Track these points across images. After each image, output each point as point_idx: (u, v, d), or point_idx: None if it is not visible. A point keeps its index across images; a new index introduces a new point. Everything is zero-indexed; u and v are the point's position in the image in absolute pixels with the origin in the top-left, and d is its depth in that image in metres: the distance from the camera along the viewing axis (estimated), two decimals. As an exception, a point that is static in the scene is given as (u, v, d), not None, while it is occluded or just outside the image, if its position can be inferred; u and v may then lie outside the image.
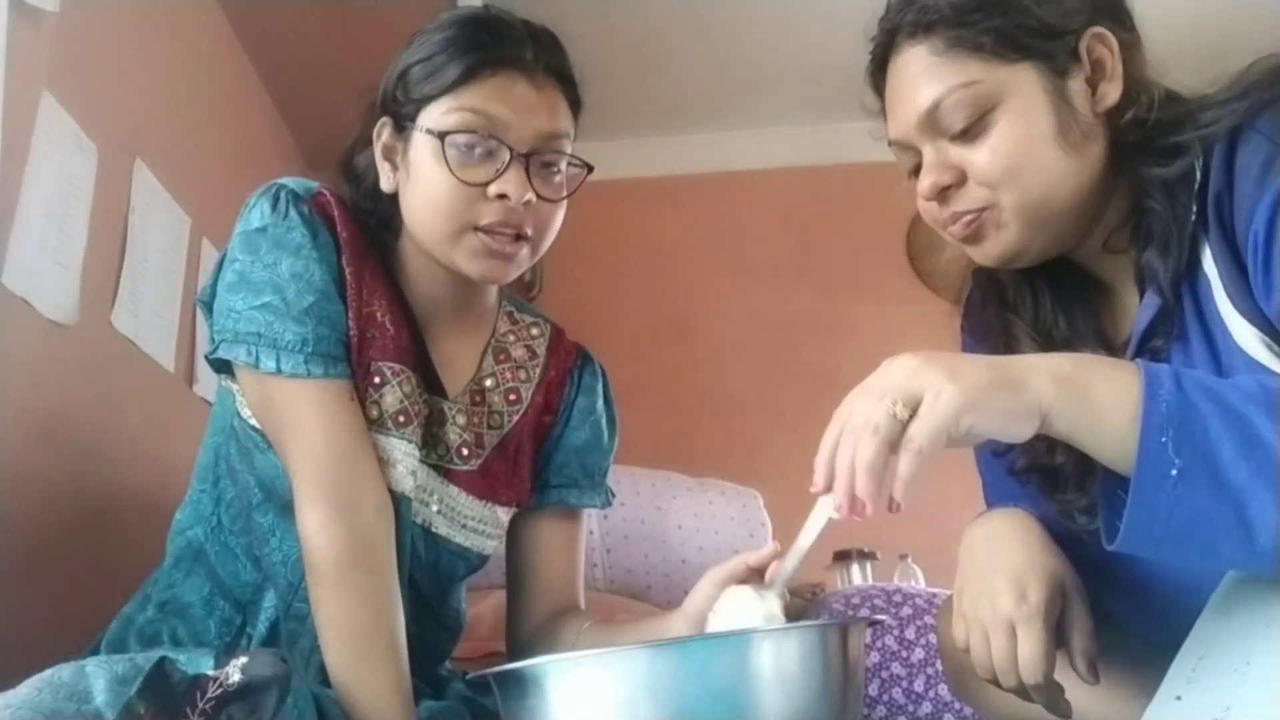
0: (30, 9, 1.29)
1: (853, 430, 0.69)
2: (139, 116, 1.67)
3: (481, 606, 1.52)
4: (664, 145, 2.99)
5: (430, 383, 1.04)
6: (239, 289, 0.95)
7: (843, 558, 2.31)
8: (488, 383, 1.09)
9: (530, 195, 0.95)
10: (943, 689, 1.76)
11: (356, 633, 0.89)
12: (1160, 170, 0.83)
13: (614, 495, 1.18)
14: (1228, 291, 0.79)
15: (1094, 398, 0.68)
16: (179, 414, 1.75)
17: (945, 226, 0.90)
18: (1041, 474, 0.93)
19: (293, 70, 2.27)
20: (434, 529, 1.03)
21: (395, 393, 0.98)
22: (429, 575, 1.05)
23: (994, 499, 1.00)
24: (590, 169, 1.02)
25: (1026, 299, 0.97)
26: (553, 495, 1.13)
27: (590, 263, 2.70)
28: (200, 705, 0.72)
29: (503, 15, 1.00)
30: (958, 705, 1.71)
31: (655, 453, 2.10)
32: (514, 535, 1.14)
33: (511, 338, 1.14)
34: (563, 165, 1.00)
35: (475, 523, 1.06)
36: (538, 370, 1.13)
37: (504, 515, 1.09)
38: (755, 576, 0.90)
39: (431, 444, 1.03)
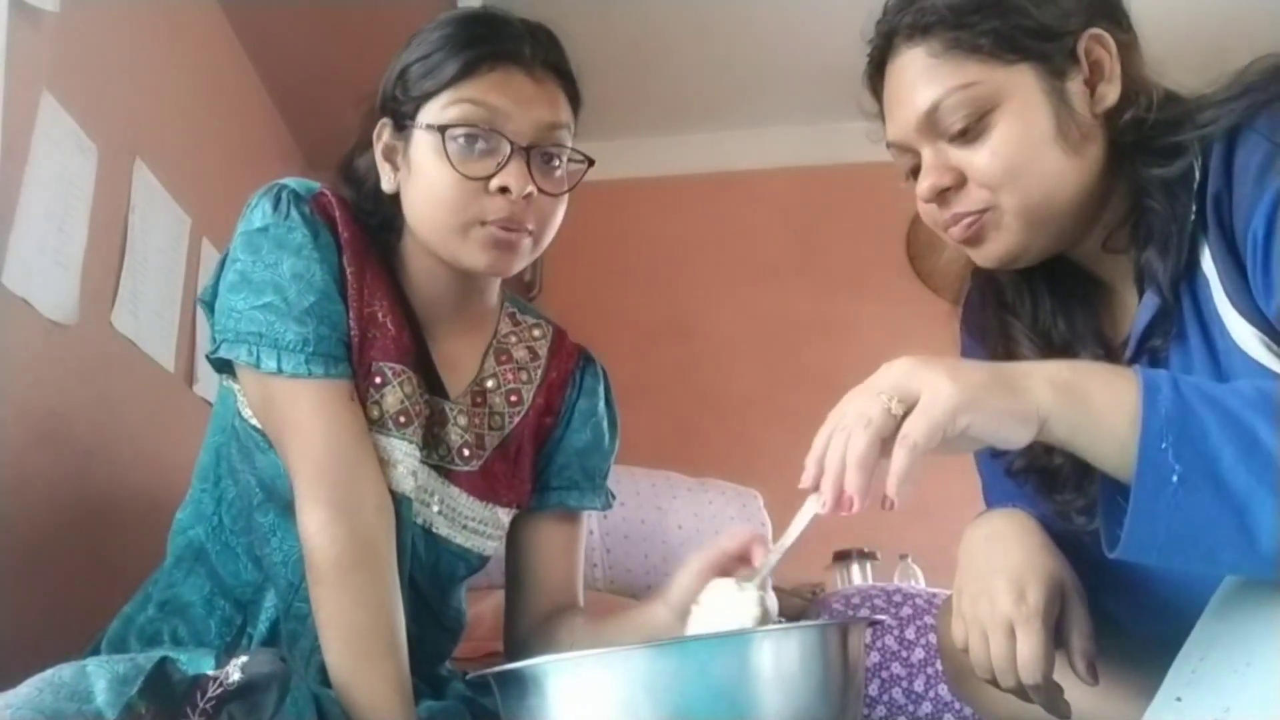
0: (30, 9, 1.30)
1: (845, 427, 0.69)
2: (139, 116, 1.67)
3: (481, 606, 1.52)
4: (664, 145, 2.99)
5: (431, 383, 1.04)
6: (240, 289, 0.95)
7: (843, 558, 2.32)
8: (489, 384, 1.09)
9: (531, 188, 0.95)
10: (943, 689, 1.76)
11: (357, 633, 0.89)
12: (1159, 170, 0.83)
13: (614, 497, 1.18)
14: (1227, 291, 0.79)
15: (1092, 403, 0.68)
16: (179, 414, 1.75)
17: (945, 228, 0.90)
18: (1039, 475, 0.93)
19: (293, 70, 2.27)
20: (435, 529, 1.03)
21: (396, 393, 0.98)
22: (429, 576, 1.05)
23: (993, 499, 1.00)
24: (591, 162, 1.03)
25: (1025, 300, 0.97)
26: (553, 497, 1.13)
27: (590, 263, 2.70)
28: (201, 705, 0.72)
29: (500, 13, 1.01)
30: (958, 705, 1.71)
31: (655, 453, 2.10)
32: (514, 536, 1.14)
33: (513, 339, 1.14)
34: (563, 159, 1.01)
35: (476, 523, 1.06)
36: (539, 371, 1.14)
37: (504, 516, 1.09)
38: (736, 564, 0.90)
39: (432, 445, 1.04)
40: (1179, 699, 0.69)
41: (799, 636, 0.72)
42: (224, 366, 1.00)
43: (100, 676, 0.72)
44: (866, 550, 2.31)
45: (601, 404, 1.17)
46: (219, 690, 0.73)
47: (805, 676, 0.70)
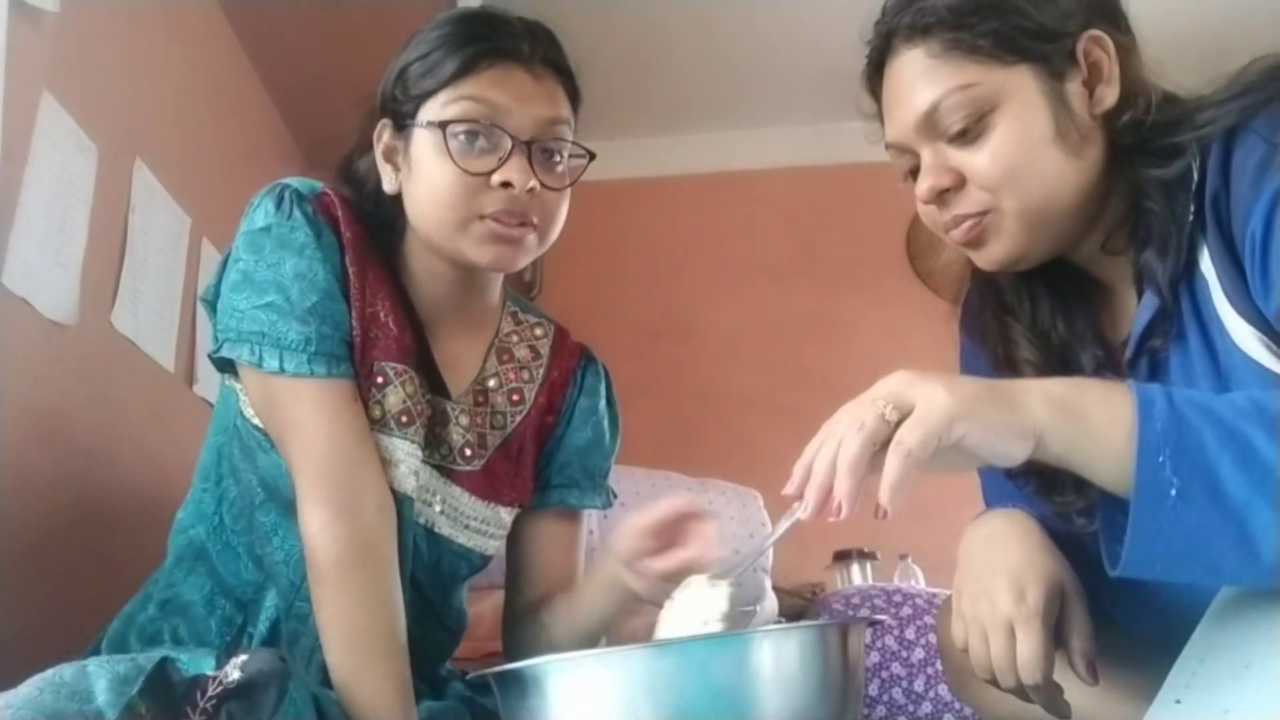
0: (30, 9, 1.29)
1: (836, 434, 0.69)
2: (139, 116, 1.67)
3: (482, 606, 1.52)
4: (664, 145, 2.99)
5: (433, 383, 1.04)
6: (243, 288, 0.95)
7: (843, 558, 2.32)
8: (491, 383, 1.10)
9: (534, 183, 0.95)
10: (943, 689, 1.76)
11: (357, 632, 0.89)
12: (1158, 171, 0.83)
13: (615, 496, 1.18)
14: (1225, 291, 0.79)
15: (1089, 419, 0.67)
16: (179, 414, 1.75)
17: (946, 231, 0.90)
18: (1039, 476, 0.93)
19: (293, 70, 2.27)
20: (437, 529, 1.04)
21: (398, 393, 0.98)
22: (431, 575, 1.05)
23: (993, 500, 1.00)
24: (592, 156, 1.03)
25: (1025, 301, 0.97)
26: (553, 495, 1.13)
27: (590, 263, 2.70)
28: (201, 704, 0.72)
29: (499, 11, 1.01)
30: (958, 705, 1.72)
31: (655, 453, 2.09)
32: (514, 534, 1.14)
33: (515, 338, 1.14)
34: (564, 153, 1.01)
35: (478, 523, 1.06)
36: (541, 370, 1.14)
37: (507, 515, 1.09)
38: (675, 530, 0.92)
39: (434, 444, 1.04)
40: (1178, 701, 0.69)
41: (799, 636, 0.72)
42: (226, 366, 1.00)
43: (101, 676, 0.72)
44: (866, 550, 2.31)
45: (603, 402, 1.17)
46: (219, 690, 0.73)
47: (805, 676, 0.70)
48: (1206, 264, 0.81)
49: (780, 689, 0.69)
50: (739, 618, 0.78)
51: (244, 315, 0.94)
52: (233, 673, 0.74)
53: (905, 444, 0.66)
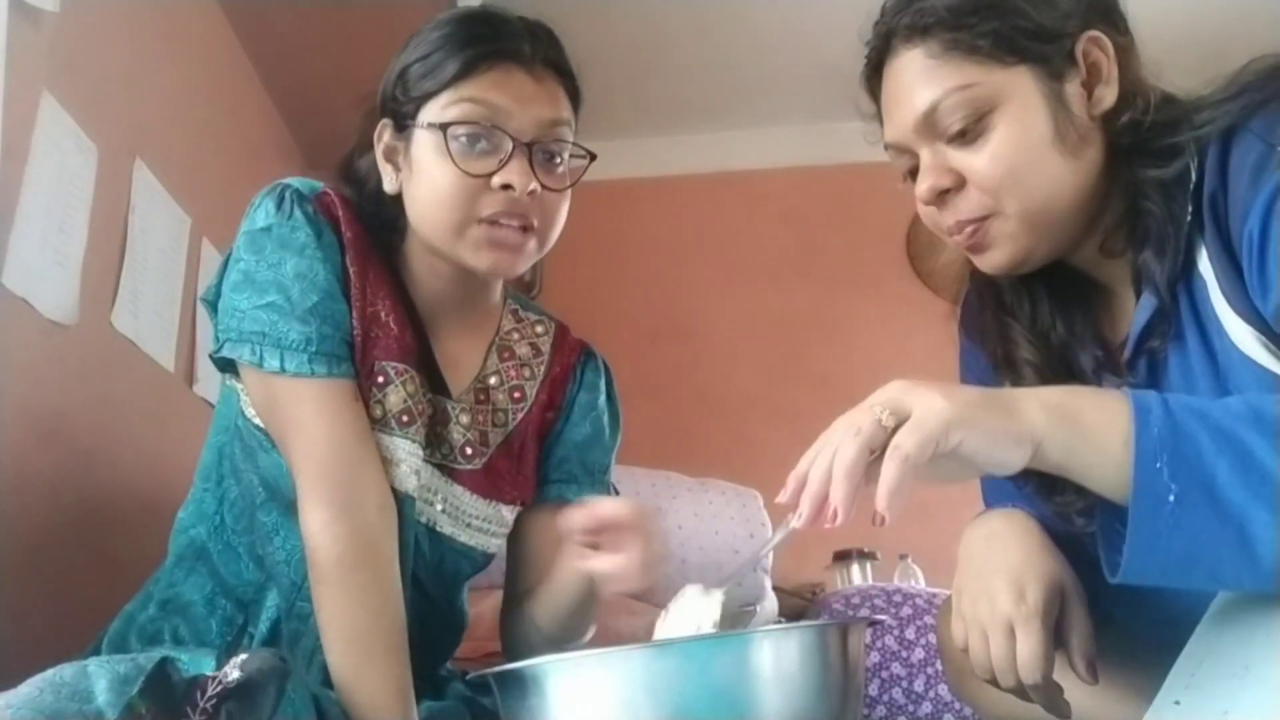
0: (30, 9, 1.29)
1: (832, 444, 0.68)
2: (139, 116, 1.67)
3: (482, 606, 1.52)
4: (664, 145, 2.99)
5: (434, 382, 1.04)
6: (244, 288, 0.95)
7: (843, 558, 2.32)
8: (492, 380, 1.10)
9: (535, 185, 0.95)
10: (943, 689, 1.76)
11: (358, 632, 0.89)
12: (1156, 171, 0.83)
13: (617, 493, 1.17)
14: (1223, 291, 0.79)
15: (1086, 426, 0.67)
16: (179, 414, 1.75)
17: (950, 235, 0.90)
18: (1039, 476, 0.93)
19: (293, 70, 2.27)
20: (439, 528, 1.04)
21: (399, 392, 0.99)
22: (434, 574, 1.05)
23: (993, 500, 1.00)
24: (593, 157, 1.03)
25: (1024, 302, 0.97)
26: (552, 491, 1.13)
27: (590, 263, 2.70)
28: (201, 704, 0.72)
29: (499, 12, 1.01)
30: (958, 705, 1.72)
31: (655, 453, 2.10)
32: (514, 530, 1.14)
33: (516, 335, 1.14)
34: (565, 155, 1.01)
35: (480, 521, 1.06)
36: (542, 367, 1.14)
37: (508, 514, 1.09)
38: (618, 529, 0.90)
39: (435, 443, 1.04)
40: (1177, 703, 0.69)
41: (799, 636, 0.72)
42: (227, 366, 1.00)
43: (101, 676, 0.72)
44: (866, 550, 2.31)
45: (602, 398, 1.16)
46: (218, 689, 0.73)
47: (805, 676, 0.70)
48: (1204, 264, 0.81)
49: (780, 689, 0.69)
50: (736, 620, 0.78)
51: (245, 315, 0.94)
52: (232, 672, 0.74)
53: (902, 449, 0.65)
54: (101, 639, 1.02)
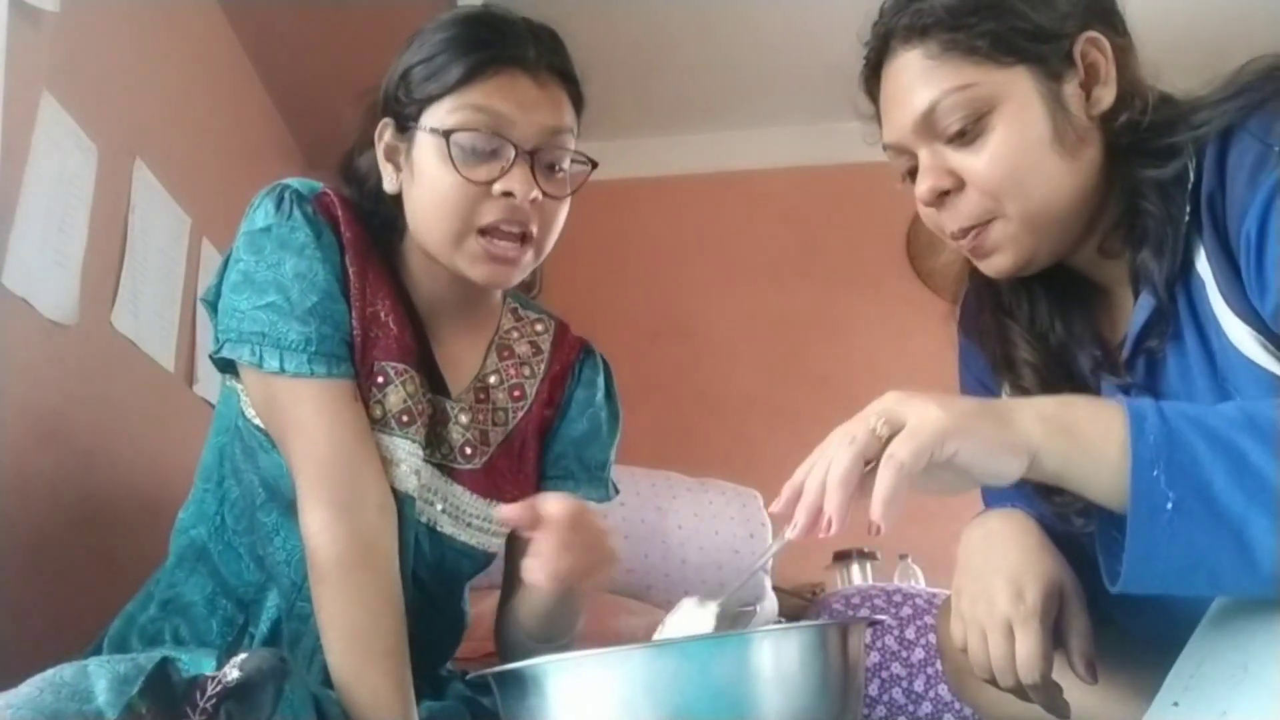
0: (30, 9, 1.30)
1: (827, 455, 0.68)
2: (139, 116, 1.67)
3: (482, 606, 1.52)
4: (664, 145, 2.99)
5: (434, 382, 1.04)
6: (243, 289, 0.95)
7: (843, 558, 2.32)
8: (491, 380, 1.10)
9: (536, 193, 0.95)
10: (943, 689, 1.76)
11: (358, 632, 0.89)
12: (1154, 172, 0.83)
13: (617, 491, 1.17)
14: (1222, 291, 0.79)
15: (1081, 434, 0.67)
16: (179, 414, 1.75)
17: (953, 239, 0.90)
18: (1038, 477, 0.93)
19: (293, 70, 2.27)
20: (439, 528, 1.04)
21: (399, 392, 0.99)
22: (435, 574, 1.05)
23: (992, 499, 1.00)
24: (594, 165, 1.02)
25: (1023, 302, 0.97)
26: (549, 487, 1.12)
27: (590, 263, 2.70)
28: (201, 704, 0.72)
29: (503, 14, 1.00)
30: (958, 705, 1.72)
31: (655, 453, 2.10)
32: (512, 529, 1.13)
33: (515, 334, 1.14)
34: (566, 162, 1.00)
35: (481, 521, 1.06)
36: (542, 366, 1.14)
37: (510, 513, 1.09)
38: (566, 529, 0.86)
39: (435, 443, 1.04)
40: (1176, 704, 0.69)
41: (799, 636, 0.72)
42: (227, 366, 1.00)
43: (101, 676, 0.72)
44: (866, 550, 2.31)
45: (600, 395, 1.16)
46: (218, 689, 0.73)
47: (805, 676, 0.70)
48: (1203, 264, 0.81)
49: (780, 689, 0.69)
50: (736, 620, 0.78)
51: (244, 316, 0.94)
52: (232, 672, 0.74)
53: (897, 457, 0.65)
54: (102, 639, 1.02)
